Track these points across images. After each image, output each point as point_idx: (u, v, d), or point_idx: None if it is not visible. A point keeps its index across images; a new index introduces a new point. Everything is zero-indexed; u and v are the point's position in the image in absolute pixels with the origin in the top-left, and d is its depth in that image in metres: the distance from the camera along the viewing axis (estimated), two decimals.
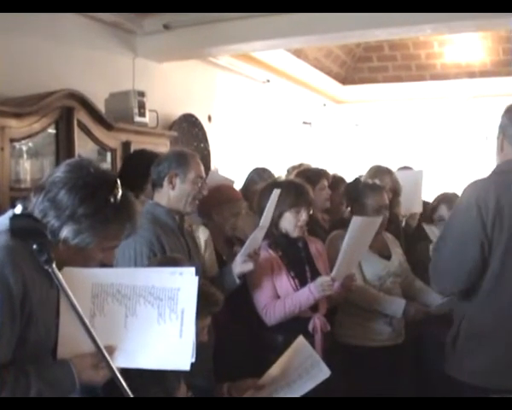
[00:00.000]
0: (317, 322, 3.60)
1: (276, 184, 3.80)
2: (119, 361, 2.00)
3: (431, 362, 4.19)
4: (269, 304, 3.55)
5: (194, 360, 2.08)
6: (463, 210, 3.01)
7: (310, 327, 3.58)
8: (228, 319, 3.52)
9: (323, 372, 3.01)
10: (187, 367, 2.08)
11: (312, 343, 3.43)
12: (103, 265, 2.18)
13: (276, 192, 3.40)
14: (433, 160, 9.67)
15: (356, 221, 3.49)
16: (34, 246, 1.85)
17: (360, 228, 3.51)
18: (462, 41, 9.15)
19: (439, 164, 9.71)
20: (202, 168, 3.52)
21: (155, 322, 2.07)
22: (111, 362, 1.92)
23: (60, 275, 1.87)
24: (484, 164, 9.43)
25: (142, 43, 6.14)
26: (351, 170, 8.07)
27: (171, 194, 3.40)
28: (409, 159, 8.28)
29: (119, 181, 2.09)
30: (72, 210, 1.95)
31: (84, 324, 1.88)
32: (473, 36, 8.89)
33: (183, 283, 2.11)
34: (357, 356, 3.89)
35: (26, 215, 1.93)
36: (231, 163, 7.66)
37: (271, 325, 3.56)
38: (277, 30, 5.88)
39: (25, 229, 1.88)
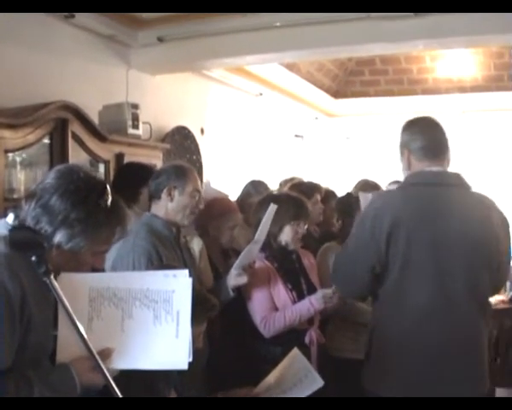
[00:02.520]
0: (313, 334, 3.65)
1: (274, 197, 3.83)
2: (118, 363, 2.04)
3: None
4: (268, 316, 3.55)
5: (191, 359, 2.11)
6: (360, 222, 3.07)
7: (306, 339, 3.61)
8: (222, 331, 3.55)
9: (317, 382, 3.05)
10: (185, 366, 2.11)
11: (309, 355, 3.47)
12: (94, 269, 2.20)
13: (273, 207, 3.43)
14: None
15: None
16: (33, 258, 1.87)
17: None
18: (454, 56, 9.19)
19: None
20: (199, 182, 3.58)
21: (152, 324, 2.11)
22: (103, 367, 1.92)
23: (57, 286, 1.89)
24: (473, 178, 9.51)
25: (136, 56, 6.16)
26: (342, 183, 8.10)
27: (169, 206, 3.44)
28: (399, 173, 8.31)
29: (108, 186, 2.12)
30: (64, 215, 1.97)
31: (77, 330, 1.90)
32: (464, 51, 8.93)
33: (178, 285, 2.15)
34: (347, 369, 3.90)
35: (24, 227, 1.95)
36: (223, 176, 7.68)
37: (269, 337, 3.57)
38: (271, 44, 5.90)
39: (23, 241, 1.90)
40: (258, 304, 3.59)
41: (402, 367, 2.91)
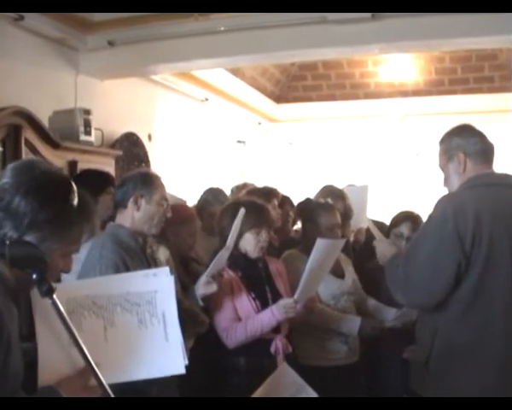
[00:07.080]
0: (278, 343, 3.55)
1: (238, 203, 3.76)
2: (106, 378, 1.81)
3: (386, 379, 4.21)
4: (230, 326, 3.49)
5: (187, 362, 2.01)
6: (438, 224, 2.99)
7: (272, 349, 3.53)
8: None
9: (311, 396, 2.97)
10: (182, 370, 2.01)
11: (275, 365, 3.41)
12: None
13: (242, 212, 3.38)
14: (366, 176, 9.78)
15: (320, 243, 3.44)
16: (34, 276, 1.69)
17: (324, 250, 3.49)
18: (396, 61, 9.35)
19: (371, 181, 9.82)
20: (166, 190, 3.47)
21: (137, 329, 1.99)
22: (101, 378, 1.76)
23: (61, 306, 1.73)
24: (414, 180, 9.69)
25: (85, 60, 6.03)
26: (285, 188, 8.11)
27: (135, 215, 3.30)
28: (342, 176, 8.39)
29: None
30: (31, 217, 1.76)
31: (80, 349, 1.75)
32: (406, 56, 9.07)
33: (160, 284, 2.05)
34: (314, 376, 3.85)
35: (23, 241, 1.75)
36: (172, 183, 7.56)
37: (232, 348, 3.50)
38: (219, 49, 5.90)
39: (24, 257, 1.71)
40: (220, 315, 3.53)
41: (473, 378, 2.87)
